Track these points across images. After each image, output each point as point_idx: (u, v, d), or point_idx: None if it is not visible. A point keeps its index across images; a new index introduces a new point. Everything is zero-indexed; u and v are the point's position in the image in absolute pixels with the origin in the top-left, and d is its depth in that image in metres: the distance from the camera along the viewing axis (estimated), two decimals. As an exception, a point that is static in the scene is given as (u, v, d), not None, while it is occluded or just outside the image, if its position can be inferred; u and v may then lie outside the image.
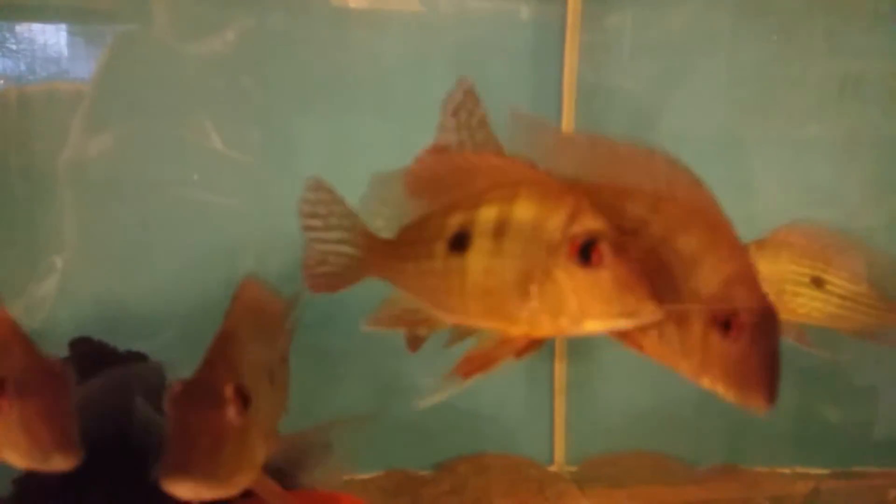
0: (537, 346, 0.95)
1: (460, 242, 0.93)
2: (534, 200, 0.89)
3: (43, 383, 0.99)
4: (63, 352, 1.60)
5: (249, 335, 1.11)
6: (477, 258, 0.91)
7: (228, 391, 0.99)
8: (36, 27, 1.66)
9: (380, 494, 1.82)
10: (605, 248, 0.84)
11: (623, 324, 0.85)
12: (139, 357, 1.38)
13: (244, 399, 1.00)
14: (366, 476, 1.91)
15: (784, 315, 1.51)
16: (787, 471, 1.96)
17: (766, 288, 1.48)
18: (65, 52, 1.68)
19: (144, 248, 1.73)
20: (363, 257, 1.05)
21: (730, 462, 1.98)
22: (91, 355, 1.34)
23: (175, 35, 1.70)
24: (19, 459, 0.99)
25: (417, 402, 1.01)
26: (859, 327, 1.53)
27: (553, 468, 1.99)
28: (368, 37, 1.81)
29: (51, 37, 1.67)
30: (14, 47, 1.66)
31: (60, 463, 0.98)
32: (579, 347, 1.99)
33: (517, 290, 0.88)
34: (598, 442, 2.02)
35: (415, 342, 1.42)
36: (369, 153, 1.80)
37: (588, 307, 0.85)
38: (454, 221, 0.95)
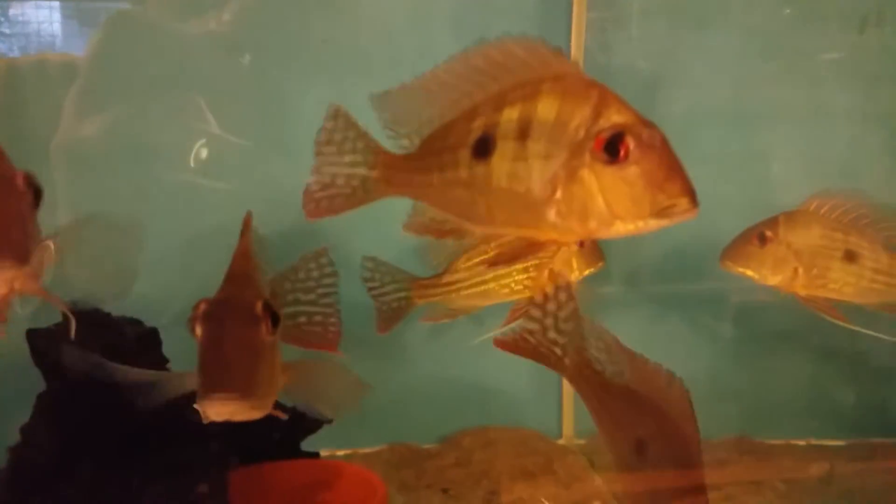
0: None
1: (484, 148, 0.89)
2: (556, 97, 0.84)
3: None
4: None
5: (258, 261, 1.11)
6: (501, 163, 0.87)
7: (259, 308, 0.96)
8: (29, 4, 1.64)
9: (384, 467, 1.78)
10: (631, 142, 0.80)
11: (654, 224, 0.81)
12: (134, 322, 1.34)
13: (274, 317, 0.97)
14: (369, 450, 1.88)
15: (815, 291, 1.48)
16: (802, 443, 1.92)
17: (797, 262, 1.47)
18: (58, 29, 1.66)
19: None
20: (380, 177, 1.02)
21: (743, 435, 1.93)
22: (86, 322, 1.30)
23: (169, 14, 1.66)
24: None
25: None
26: (892, 301, 1.49)
27: (561, 441, 1.95)
28: (371, 7, 1.77)
29: (43, 14, 1.64)
30: (8, 30, 1.64)
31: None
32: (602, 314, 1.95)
33: (543, 193, 0.84)
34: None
35: (385, 324, 1.52)
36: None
37: (617, 207, 0.81)
38: (477, 126, 0.90)
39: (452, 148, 0.93)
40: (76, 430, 1.25)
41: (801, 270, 1.47)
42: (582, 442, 1.94)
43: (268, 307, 0.96)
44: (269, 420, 1.41)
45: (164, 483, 1.16)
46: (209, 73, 1.71)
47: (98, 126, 1.64)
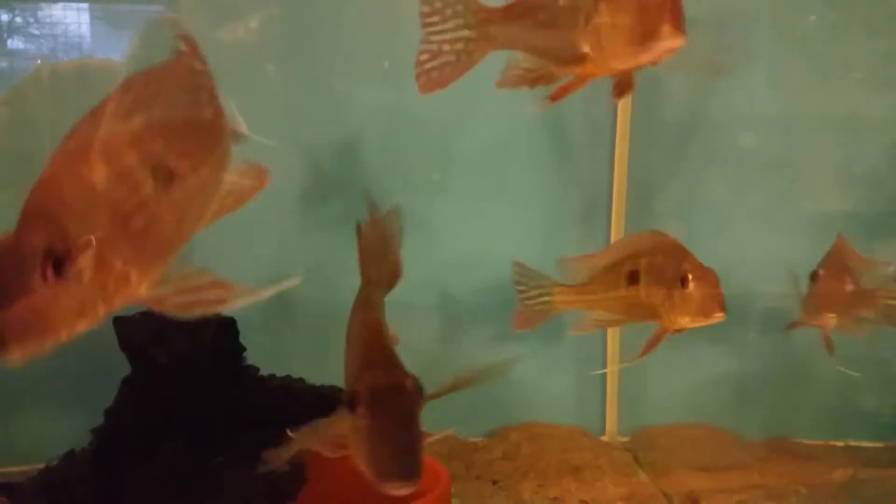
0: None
1: None
2: None
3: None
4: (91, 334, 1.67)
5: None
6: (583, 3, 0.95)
7: (413, 386, 0.97)
8: (58, 8, 1.69)
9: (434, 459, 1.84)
10: None
11: (644, 56, 0.87)
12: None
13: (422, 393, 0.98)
14: (421, 442, 1.94)
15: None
16: (839, 444, 1.97)
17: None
18: (86, 30, 1.72)
19: None
20: (479, 35, 1.06)
21: (781, 435, 1.98)
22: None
23: (202, 21, 1.73)
24: None
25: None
26: None
27: (605, 438, 2.00)
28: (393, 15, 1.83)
29: (71, 16, 1.70)
30: (37, 31, 1.69)
31: None
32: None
33: (577, 26, 0.93)
34: (649, 414, 2.03)
35: (524, 322, 1.56)
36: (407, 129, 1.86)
37: (614, 42, 0.89)
38: None
39: None
40: (160, 413, 1.32)
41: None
42: (625, 440, 2.00)
43: (418, 384, 0.99)
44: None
45: (246, 462, 1.22)
46: (238, 77, 1.78)
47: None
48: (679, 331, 1.37)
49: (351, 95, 1.84)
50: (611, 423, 2.01)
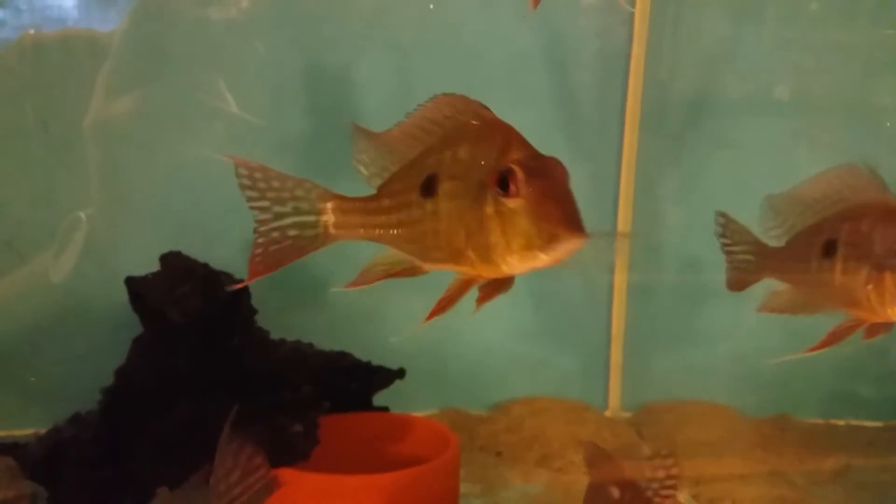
0: (505, 285, 0.92)
1: (428, 188, 0.92)
2: (473, 140, 0.89)
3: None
4: (92, 306, 1.69)
5: None
6: (439, 202, 0.90)
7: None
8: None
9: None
10: (519, 176, 0.81)
11: (544, 259, 0.81)
12: (226, 274, 1.40)
13: None
14: (421, 413, 1.94)
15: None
16: (841, 423, 1.98)
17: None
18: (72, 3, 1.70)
19: (165, 204, 1.77)
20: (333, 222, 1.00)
21: (784, 413, 1.99)
22: (181, 268, 1.37)
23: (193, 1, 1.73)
24: None
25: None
26: None
27: (607, 414, 2.01)
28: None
29: None
30: (25, 3, 1.67)
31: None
32: (636, 295, 2.01)
33: (466, 230, 0.87)
34: (652, 390, 2.04)
35: (734, 283, 1.30)
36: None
37: (511, 242, 0.83)
38: (425, 168, 0.94)
39: (405, 190, 0.95)
40: (172, 373, 1.32)
41: None
42: (628, 415, 2.01)
43: None
44: (348, 372, 1.49)
45: (261, 422, 1.22)
46: (229, 56, 1.77)
47: (126, 105, 1.71)
48: (884, 326, 1.06)
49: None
50: (614, 398, 2.02)
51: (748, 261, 1.25)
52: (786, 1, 1.95)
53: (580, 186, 0.84)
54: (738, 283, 1.27)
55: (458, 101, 0.94)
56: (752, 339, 2.01)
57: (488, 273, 0.89)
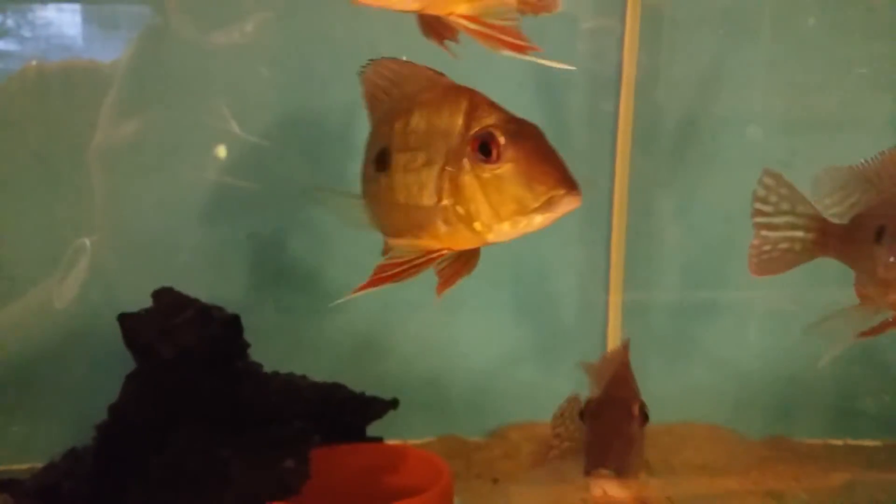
0: (469, 265, 0.91)
1: (382, 161, 0.91)
2: (432, 108, 0.87)
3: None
4: (95, 333, 1.67)
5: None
6: (394, 175, 0.89)
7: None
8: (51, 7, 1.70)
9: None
10: (501, 140, 0.80)
11: (540, 220, 0.80)
12: (217, 308, 1.41)
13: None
14: (418, 441, 1.94)
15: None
16: (839, 443, 1.97)
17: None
18: (77, 32, 1.72)
19: (170, 230, 1.78)
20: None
21: (780, 434, 1.99)
22: (173, 303, 1.38)
23: (195, 26, 1.74)
24: None
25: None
26: None
27: (604, 437, 2.00)
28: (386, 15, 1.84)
29: (65, 18, 1.71)
30: (29, 34, 1.69)
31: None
32: (632, 317, 2.01)
33: (430, 202, 0.85)
34: (650, 412, 2.03)
35: (759, 268, 1.12)
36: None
37: (500, 208, 0.81)
38: (377, 140, 0.93)
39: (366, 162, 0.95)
40: (165, 409, 1.33)
41: None
42: (625, 439, 2.00)
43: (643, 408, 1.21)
44: (342, 404, 1.50)
45: (252, 458, 1.23)
46: (233, 81, 1.79)
47: (130, 131, 1.73)
48: None
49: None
50: (611, 421, 2.01)
51: (800, 238, 1.06)
52: (777, 18, 1.96)
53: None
54: (781, 263, 1.07)
55: (405, 67, 0.93)
56: (750, 359, 2.01)
57: (458, 245, 0.87)
